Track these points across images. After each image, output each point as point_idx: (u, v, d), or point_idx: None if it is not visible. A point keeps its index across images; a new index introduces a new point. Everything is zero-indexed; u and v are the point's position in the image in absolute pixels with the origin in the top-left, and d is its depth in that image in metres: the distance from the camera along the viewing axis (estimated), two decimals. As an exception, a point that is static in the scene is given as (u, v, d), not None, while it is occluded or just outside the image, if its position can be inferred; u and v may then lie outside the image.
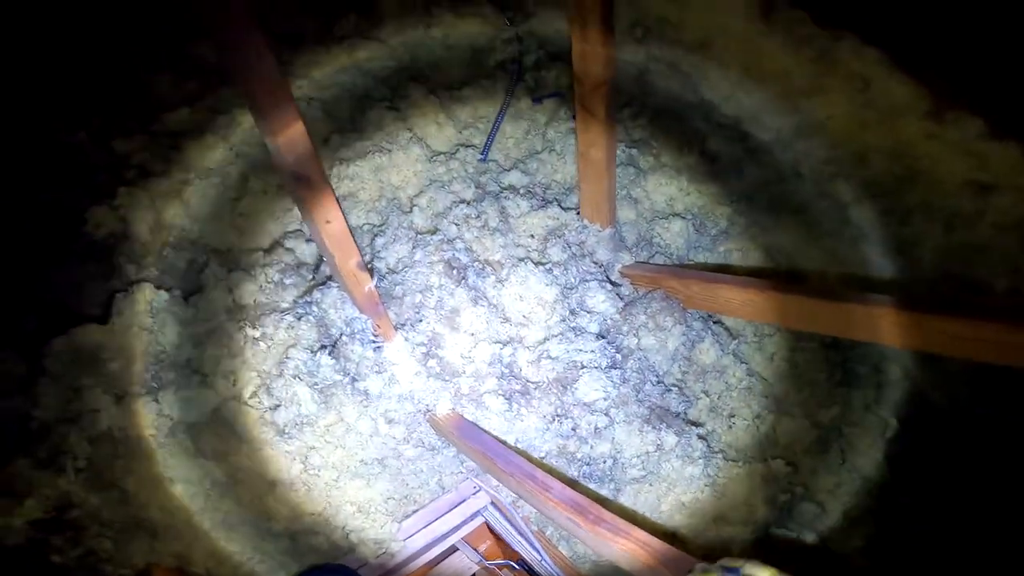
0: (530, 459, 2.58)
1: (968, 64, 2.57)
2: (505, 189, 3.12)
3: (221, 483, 2.48)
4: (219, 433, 2.47)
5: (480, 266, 2.90)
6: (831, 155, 2.87)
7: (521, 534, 2.79)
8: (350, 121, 3.16)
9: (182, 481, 2.38)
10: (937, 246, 2.56)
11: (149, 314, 2.38)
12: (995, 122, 2.51)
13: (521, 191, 3.11)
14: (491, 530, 2.94)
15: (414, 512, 2.78)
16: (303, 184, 2.16)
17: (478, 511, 2.87)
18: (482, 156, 3.21)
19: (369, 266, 2.63)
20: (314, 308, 2.64)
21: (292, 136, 2.05)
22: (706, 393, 2.92)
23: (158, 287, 2.43)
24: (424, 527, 2.75)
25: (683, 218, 3.13)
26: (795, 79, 2.97)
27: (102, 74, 2.72)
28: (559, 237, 3.00)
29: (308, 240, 2.85)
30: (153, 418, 2.32)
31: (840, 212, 2.84)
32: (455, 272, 2.82)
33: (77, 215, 2.47)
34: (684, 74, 3.27)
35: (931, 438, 2.68)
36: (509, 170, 3.18)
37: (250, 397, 2.50)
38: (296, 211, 2.91)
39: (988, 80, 2.51)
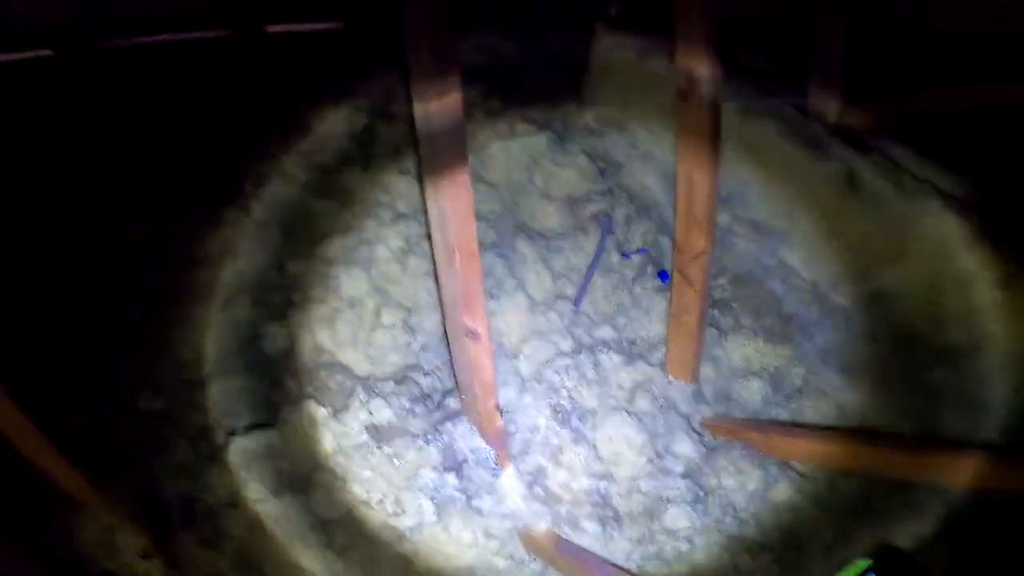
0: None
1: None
2: (598, 343, 3.70)
3: (339, 574, 2.95)
4: (348, 531, 2.98)
5: (580, 412, 3.46)
6: (907, 320, 3.36)
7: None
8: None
9: (314, 571, 2.87)
10: (1004, 405, 3.01)
11: (310, 425, 3.03)
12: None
13: (612, 345, 3.70)
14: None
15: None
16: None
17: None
18: (575, 307, 3.81)
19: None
20: (443, 436, 3.22)
21: (449, 102, 2.33)
22: (779, 527, 3.31)
23: (317, 404, 3.09)
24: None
25: (760, 377, 3.66)
26: (876, 246, 3.51)
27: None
28: (646, 390, 3.55)
29: (426, 374, 3.46)
30: (301, 514, 2.89)
31: (914, 374, 3.32)
32: (559, 416, 3.40)
33: (255, 331, 3.19)
34: (766, 237, 3.86)
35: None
36: (600, 325, 3.78)
37: (378, 503, 3.04)
38: (414, 345, 3.53)
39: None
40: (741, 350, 3.76)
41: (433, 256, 2.87)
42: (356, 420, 3.13)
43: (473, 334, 2.77)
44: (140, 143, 3.45)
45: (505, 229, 3.93)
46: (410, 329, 3.56)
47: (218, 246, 3.33)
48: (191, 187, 3.45)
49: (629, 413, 3.46)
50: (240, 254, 3.36)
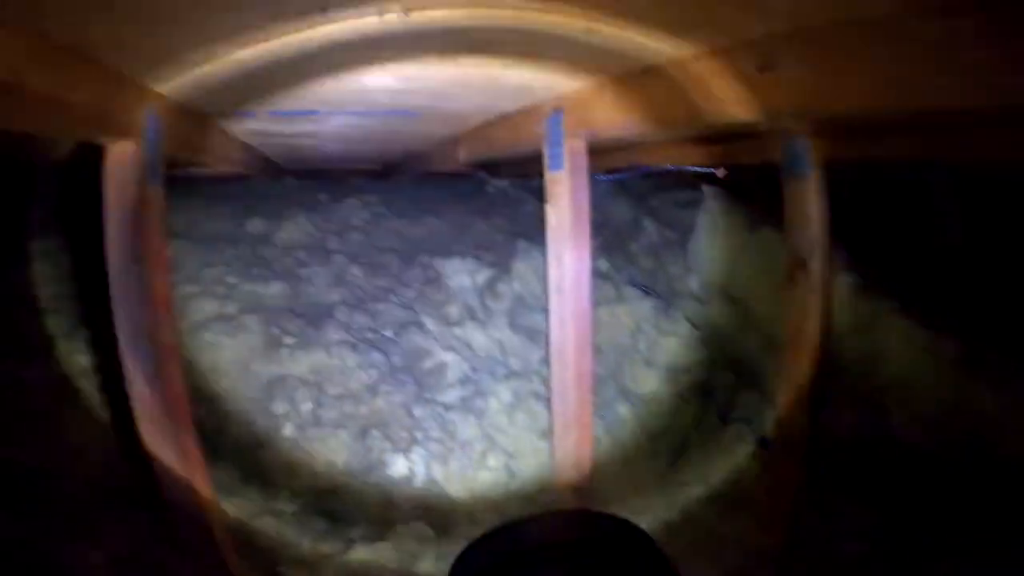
0: None
1: None
2: (690, 499, 4.06)
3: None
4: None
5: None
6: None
7: None
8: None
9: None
10: None
11: (418, 543, 3.58)
12: None
13: (704, 501, 4.04)
14: None
15: None
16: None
17: None
18: (670, 467, 4.23)
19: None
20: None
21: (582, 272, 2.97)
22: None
23: (425, 525, 3.66)
24: None
25: (864, 540, 3.69)
26: (998, 419, 3.57)
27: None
28: (737, 547, 3.76)
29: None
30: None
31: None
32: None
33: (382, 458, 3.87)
34: (880, 410, 4.00)
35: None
36: (694, 484, 4.12)
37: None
38: (512, 486, 4.05)
39: None
40: (845, 512, 3.84)
41: (550, 417, 3.32)
42: (458, 544, 3.64)
43: (578, 489, 3.29)
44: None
45: (607, 394, 4.42)
46: (511, 472, 4.10)
47: (363, 385, 4.09)
48: (343, 329, 4.30)
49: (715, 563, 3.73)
50: (379, 394, 4.09)
